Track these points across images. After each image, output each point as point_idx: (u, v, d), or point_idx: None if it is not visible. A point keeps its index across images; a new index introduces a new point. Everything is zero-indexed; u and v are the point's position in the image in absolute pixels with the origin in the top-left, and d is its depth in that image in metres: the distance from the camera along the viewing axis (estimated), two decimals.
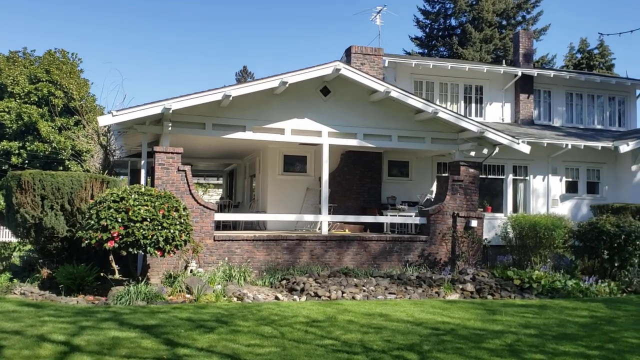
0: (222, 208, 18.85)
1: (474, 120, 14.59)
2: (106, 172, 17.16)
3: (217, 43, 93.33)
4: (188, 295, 10.71)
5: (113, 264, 13.08)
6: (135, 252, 10.31)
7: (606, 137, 19.10)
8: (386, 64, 18.08)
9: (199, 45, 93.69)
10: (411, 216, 15.18)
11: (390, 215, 15.46)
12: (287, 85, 12.80)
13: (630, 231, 13.55)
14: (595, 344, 7.87)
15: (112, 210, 10.14)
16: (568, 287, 12.40)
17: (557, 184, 18.25)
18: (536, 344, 7.70)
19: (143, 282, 10.61)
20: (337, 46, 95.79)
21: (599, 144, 17.55)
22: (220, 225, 16.44)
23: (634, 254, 13.63)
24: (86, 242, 10.15)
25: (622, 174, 18.46)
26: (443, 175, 16.45)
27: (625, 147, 17.13)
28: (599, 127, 21.26)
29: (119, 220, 10.05)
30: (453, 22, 40.26)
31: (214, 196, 33.49)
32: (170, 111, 12.13)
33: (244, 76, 56.69)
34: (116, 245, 10.06)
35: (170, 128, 12.75)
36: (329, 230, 14.67)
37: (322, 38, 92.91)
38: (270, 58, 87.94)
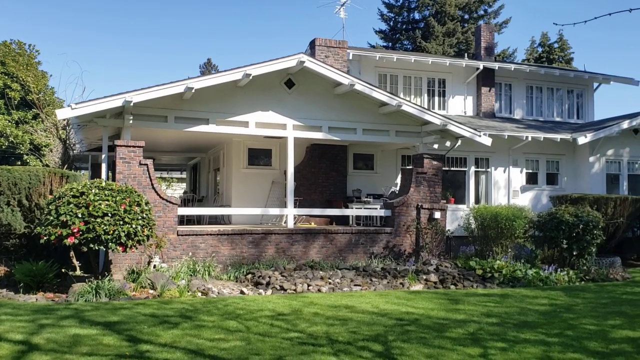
0: (185, 202, 18.64)
1: (437, 113, 14.74)
2: (66, 166, 16.73)
3: (181, 38, 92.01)
4: (151, 291, 10.57)
5: (74, 260, 12.80)
6: (97, 248, 10.09)
7: (565, 129, 19.55)
8: (350, 57, 18.11)
9: (162, 41, 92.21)
10: (376, 209, 15.29)
11: (356, 208, 15.53)
12: (250, 77, 12.69)
13: (588, 221, 13.91)
14: (554, 331, 8.06)
15: (71, 205, 9.90)
16: (528, 276, 12.69)
17: (518, 176, 18.62)
18: (498, 332, 7.86)
19: (105, 279, 10.41)
20: (301, 40, 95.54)
21: (558, 136, 17.96)
22: (184, 220, 16.26)
23: (591, 243, 14.01)
24: (45, 238, 9.89)
25: (581, 165, 18.95)
26: (407, 167, 16.59)
27: (583, 139, 17.57)
28: (558, 119, 21.76)
29: (79, 215, 9.81)
30: (416, 15, 40.58)
31: (177, 190, 33.09)
32: (132, 104, 11.90)
33: (208, 69, 56.04)
34: (76, 241, 9.82)
35: (131, 121, 12.51)
36: (294, 223, 14.65)
37: (287, 32, 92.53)
38: (234, 53, 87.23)
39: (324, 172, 16.91)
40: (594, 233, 13.93)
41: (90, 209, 9.90)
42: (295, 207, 14.91)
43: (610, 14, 3.69)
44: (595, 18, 3.82)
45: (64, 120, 15.30)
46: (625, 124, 18.08)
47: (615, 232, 16.46)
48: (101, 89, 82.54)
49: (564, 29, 59.23)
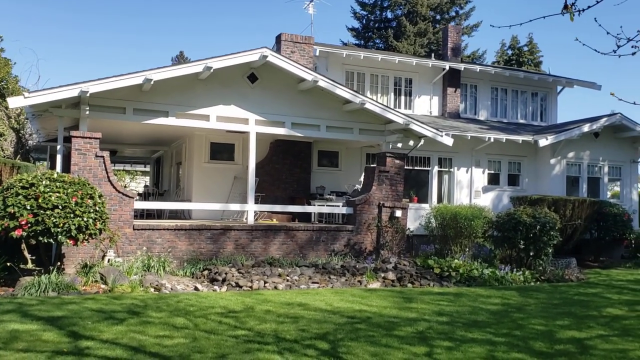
0: (147, 196, 18.37)
1: (399, 112, 14.77)
2: (19, 156, 16.30)
3: (152, 35, 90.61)
4: (103, 286, 10.35)
5: (25, 253, 12.53)
6: (46, 241, 9.84)
7: (528, 131, 19.81)
8: (317, 53, 18.03)
9: (133, 38, 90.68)
10: (339, 206, 15.27)
11: (318, 205, 15.49)
12: (211, 70, 12.52)
13: (545, 222, 14.10)
14: (503, 330, 8.13)
15: (20, 196, 9.63)
16: (485, 276, 12.81)
17: (480, 176, 18.79)
18: (446, 331, 7.88)
19: (57, 272, 10.17)
20: (273, 35, 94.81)
21: (520, 138, 18.18)
22: (144, 214, 16.02)
23: (548, 244, 14.20)
24: None
25: (542, 166, 19.23)
26: (370, 166, 16.60)
27: (544, 141, 17.82)
28: (522, 121, 22.04)
29: (28, 207, 9.55)
30: (389, 14, 40.71)
31: (141, 184, 32.59)
32: (88, 94, 11.63)
33: (180, 61, 55.39)
34: (24, 233, 9.57)
35: (88, 112, 12.24)
36: (256, 219, 14.53)
37: (260, 29, 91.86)
38: (205, 49, 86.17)
39: (288, 169, 16.82)
40: (550, 234, 14.12)
41: (40, 200, 9.65)
42: (257, 203, 14.81)
43: (544, 17, 3.72)
44: (530, 21, 3.83)
45: (18, 109, 14.89)
46: (586, 128, 18.39)
47: (573, 234, 16.74)
48: (66, 76, 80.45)
49: (534, 32, 60.16)
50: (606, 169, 19.67)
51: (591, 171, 19.56)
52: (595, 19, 3.75)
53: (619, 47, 3.56)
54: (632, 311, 10.04)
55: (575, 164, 19.28)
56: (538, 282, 13.42)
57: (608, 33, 3.70)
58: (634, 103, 4.08)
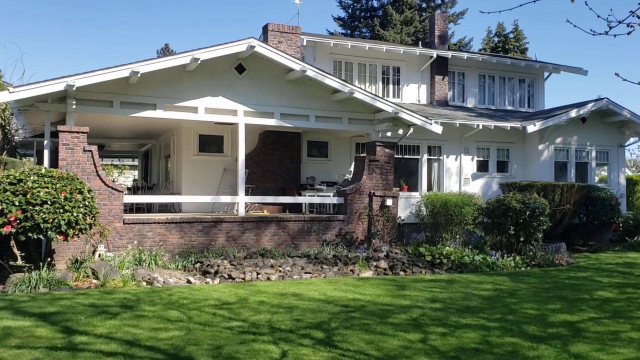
0: (136, 190, 18.27)
1: (388, 101, 14.76)
2: (5, 152, 16.09)
3: (136, 29, 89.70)
4: (94, 281, 10.29)
5: (15, 249, 12.43)
6: (36, 237, 9.76)
7: (516, 117, 19.88)
8: (305, 43, 17.96)
9: (117, 32, 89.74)
10: (329, 196, 15.28)
11: (309, 196, 15.48)
12: (199, 61, 12.42)
13: (535, 207, 14.20)
14: (496, 316, 8.18)
15: (8, 192, 9.53)
16: (476, 262, 12.88)
17: (469, 163, 18.86)
18: (440, 318, 7.93)
19: (47, 268, 10.08)
20: (259, 26, 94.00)
21: (508, 125, 18.25)
22: (134, 208, 15.94)
23: (538, 229, 14.30)
24: None
25: (530, 153, 19.33)
26: (361, 155, 16.60)
27: (532, 127, 17.90)
28: (509, 108, 22.12)
29: (16, 203, 9.46)
30: (375, 3, 40.63)
31: (129, 178, 32.34)
32: (74, 88, 11.50)
33: (166, 54, 54.95)
34: (13, 230, 9.48)
35: (74, 106, 12.10)
36: (247, 211, 14.49)
37: (248, 20, 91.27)
38: (192, 41, 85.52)
39: (278, 160, 16.77)
40: (540, 219, 14.22)
41: (28, 196, 9.55)
42: (247, 194, 14.77)
43: (534, 1, 3.72)
44: (520, 5, 3.84)
45: (3, 104, 14.70)
46: (573, 113, 18.49)
47: (562, 219, 16.86)
48: (50, 75, 79.36)
49: (519, 19, 60.45)
50: (594, 154, 19.81)
51: (579, 156, 19.68)
52: (586, 2, 3.75)
53: (610, 27, 3.58)
54: (622, 294, 10.15)
55: (563, 149, 19.40)
56: (529, 267, 13.52)
57: (599, 17, 3.72)
58: (639, 83, 4.08)
